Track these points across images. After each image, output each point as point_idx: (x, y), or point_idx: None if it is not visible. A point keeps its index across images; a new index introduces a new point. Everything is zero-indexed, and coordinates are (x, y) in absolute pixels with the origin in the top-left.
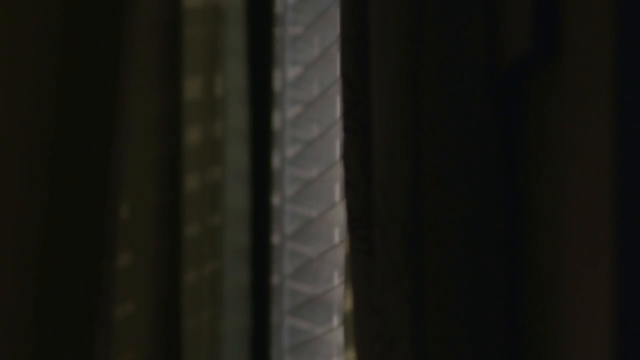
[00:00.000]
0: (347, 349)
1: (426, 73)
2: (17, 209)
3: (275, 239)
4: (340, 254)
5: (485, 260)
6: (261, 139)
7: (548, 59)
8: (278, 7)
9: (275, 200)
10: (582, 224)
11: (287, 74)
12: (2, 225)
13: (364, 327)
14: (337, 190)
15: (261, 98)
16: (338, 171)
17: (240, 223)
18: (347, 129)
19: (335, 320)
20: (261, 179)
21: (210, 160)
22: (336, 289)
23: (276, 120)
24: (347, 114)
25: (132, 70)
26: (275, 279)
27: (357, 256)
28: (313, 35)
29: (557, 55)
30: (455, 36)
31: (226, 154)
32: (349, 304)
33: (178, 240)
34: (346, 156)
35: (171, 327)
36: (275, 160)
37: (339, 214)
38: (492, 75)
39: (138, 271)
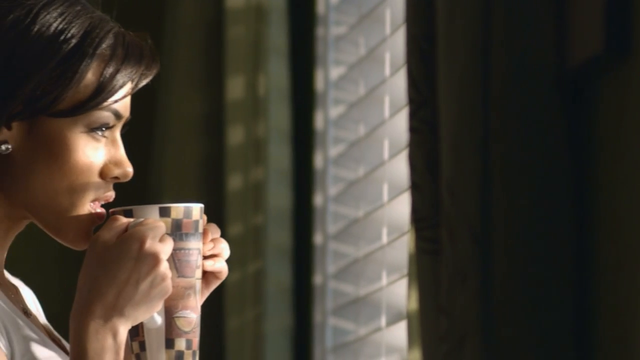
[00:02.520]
0: (411, 349)
1: (494, 73)
2: None
3: (318, 239)
4: (388, 254)
5: (553, 259)
6: (303, 138)
7: (620, 60)
8: (320, 7)
9: (319, 200)
10: None
11: (329, 74)
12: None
13: (430, 327)
14: (385, 191)
15: (303, 98)
16: (385, 171)
17: (283, 223)
18: (413, 128)
19: (384, 321)
20: (303, 178)
21: (253, 160)
22: (385, 288)
23: (319, 121)
24: (413, 114)
25: (175, 71)
26: (318, 279)
27: (423, 256)
28: (358, 36)
29: (629, 55)
30: (524, 36)
31: (269, 153)
32: (412, 304)
33: None
34: (412, 156)
35: (215, 326)
36: (318, 160)
37: (387, 214)
38: (561, 75)
39: None
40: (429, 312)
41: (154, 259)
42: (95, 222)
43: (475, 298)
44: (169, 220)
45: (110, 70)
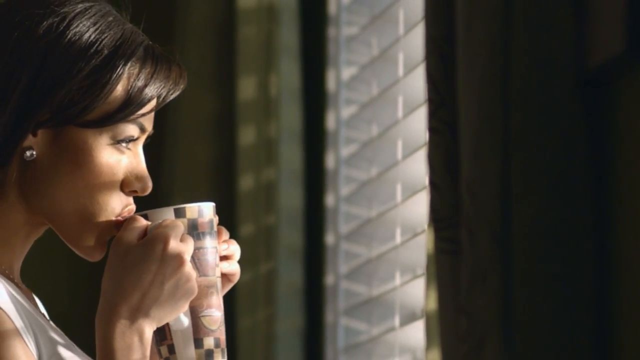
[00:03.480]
0: (429, 349)
1: (514, 73)
2: None
3: (330, 239)
4: (402, 254)
5: (574, 259)
6: (314, 139)
7: None
8: (332, 7)
9: (330, 200)
10: None
11: (341, 74)
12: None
13: (450, 327)
14: (399, 191)
15: (314, 98)
16: (399, 171)
17: (294, 223)
18: (432, 129)
19: (397, 321)
20: (315, 179)
21: (265, 160)
22: (398, 289)
23: (330, 121)
24: (432, 114)
25: (187, 71)
26: (329, 279)
27: (442, 256)
28: (370, 36)
29: None
30: (544, 36)
31: (280, 154)
32: (431, 304)
33: None
34: (431, 156)
35: (226, 327)
36: (330, 161)
37: (400, 214)
38: (581, 75)
39: None
40: (448, 312)
41: (179, 259)
42: (113, 232)
43: (495, 298)
44: (185, 220)
45: (139, 83)
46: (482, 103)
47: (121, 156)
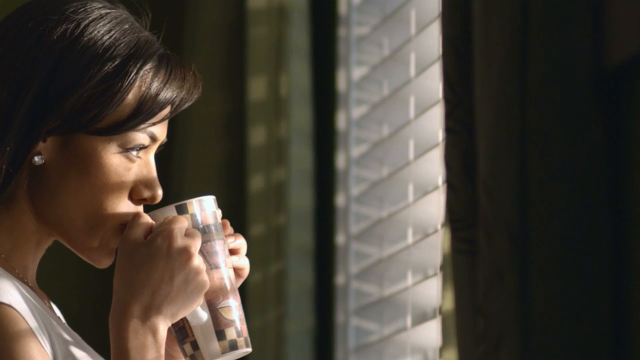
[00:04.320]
0: (445, 349)
1: (532, 73)
2: None
3: (340, 239)
4: (414, 255)
5: (591, 259)
6: (325, 139)
7: None
8: (342, 7)
9: (340, 200)
10: None
11: (352, 74)
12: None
13: (466, 327)
14: (410, 191)
15: (325, 98)
16: (411, 172)
17: (305, 223)
18: (448, 129)
19: (409, 321)
20: (325, 179)
21: (275, 161)
22: (410, 289)
23: (341, 121)
24: (448, 114)
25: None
26: (340, 279)
27: (458, 256)
28: (381, 36)
29: None
30: (561, 35)
31: (290, 154)
32: (447, 304)
33: None
34: (447, 156)
35: None
36: (340, 161)
37: (412, 214)
38: (599, 75)
39: None
40: (465, 313)
41: (186, 253)
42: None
43: (512, 298)
44: (187, 216)
45: (150, 92)
46: (500, 103)
47: (131, 164)
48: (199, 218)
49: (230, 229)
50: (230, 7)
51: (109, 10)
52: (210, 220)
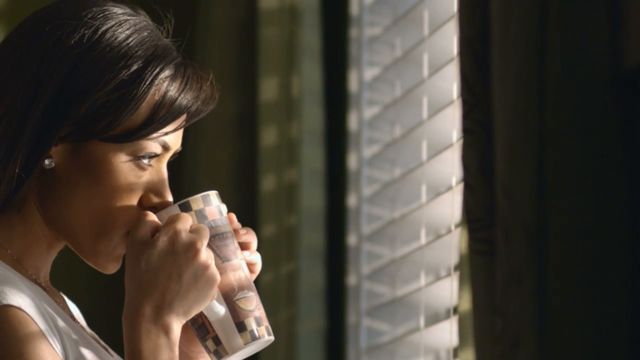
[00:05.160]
0: (462, 349)
1: (550, 73)
2: None
3: (352, 239)
4: (427, 255)
5: (609, 260)
6: (336, 139)
7: None
8: (354, 8)
9: (352, 201)
10: None
11: (363, 75)
12: None
13: (484, 328)
14: (423, 192)
15: (336, 99)
16: (424, 172)
17: (316, 224)
18: (466, 129)
19: (422, 321)
20: (337, 179)
21: (286, 161)
22: (424, 289)
23: (352, 121)
24: (466, 115)
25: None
26: (352, 280)
27: (476, 257)
28: (393, 37)
29: None
30: (580, 36)
31: (302, 154)
32: (464, 304)
33: None
34: (465, 157)
35: None
36: (352, 161)
37: (426, 215)
38: (617, 75)
39: None
40: (482, 313)
41: (192, 249)
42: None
43: (530, 299)
44: (192, 213)
45: (165, 101)
46: (518, 103)
47: (141, 172)
48: (204, 213)
49: (236, 224)
50: (242, 8)
51: (128, 17)
52: (216, 215)
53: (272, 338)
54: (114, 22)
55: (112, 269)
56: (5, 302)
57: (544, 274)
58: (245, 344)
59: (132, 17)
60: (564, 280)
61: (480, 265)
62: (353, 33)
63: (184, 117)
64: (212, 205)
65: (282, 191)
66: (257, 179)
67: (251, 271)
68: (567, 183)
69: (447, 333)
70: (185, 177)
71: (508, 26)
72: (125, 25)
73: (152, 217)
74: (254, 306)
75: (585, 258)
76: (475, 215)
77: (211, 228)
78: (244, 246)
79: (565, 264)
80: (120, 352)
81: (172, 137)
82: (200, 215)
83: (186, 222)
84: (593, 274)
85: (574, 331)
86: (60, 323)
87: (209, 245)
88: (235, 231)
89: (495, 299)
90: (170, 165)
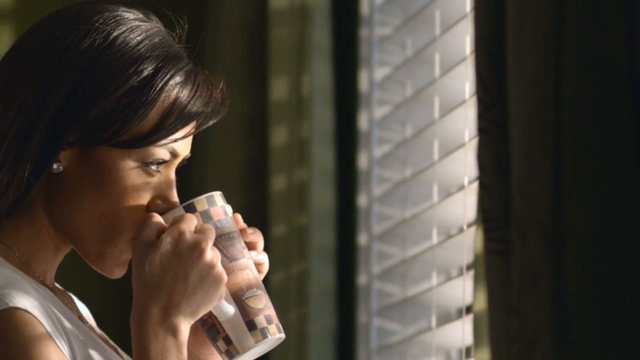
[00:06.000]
0: (478, 349)
1: (566, 73)
2: None
3: (362, 239)
4: (438, 255)
5: (627, 259)
6: (347, 139)
7: None
8: (364, 8)
9: (363, 200)
10: None
11: (374, 75)
12: None
13: (500, 327)
14: (435, 191)
15: (346, 99)
16: (435, 172)
17: (327, 223)
18: (481, 129)
19: (433, 321)
20: (347, 179)
21: (297, 161)
22: (435, 289)
23: (363, 121)
24: (481, 115)
25: (218, 71)
26: (362, 280)
27: (492, 257)
28: (404, 37)
29: None
30: (596, 37)
31: (312, 154)
32: (479, 304)
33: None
34: (480, 157)
35: None
36: (362, 161)
37: (437, 214)
38: (633, 76)
39: None
40: (498, 313)
41: (197, 249)
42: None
43: (547, 299)
44: (197, 214)
45: (174, 108)
46: (534, 103)
47: (149, 178)
48: (209, 214)
49: (242, 224)
50: (252, 7)
51: (140, 23)
52: (221, 215)
53: (283, 335)
54: (125, 28)
55: (117, 273)
56: (11, 304)
57: (560, 273)
58: (256, 343)
59: (144, 23)
60: (580, 280)
61: (496, 264)
62: (363, 33)
63: (193, 124)
64: (217, 205)
65: (293, 191)
66: (267, 178)
67: (259, 271)
68: (584, 182)
69: (458, 333)
70: (195, 176)
71: (524, 25)
72: (137, 31)
73: (157, 218)
74: (263, 304)
75: (602, 257)
76: (491, 214)
77: (217, 228)
78: (250, 246)
79: (582, 264)
80: (130, 353)
81: (181, 144)
82: (205, 216)
83: (191, 222)
84: (609, 273)
85: (590, 332)
86: (68, 324)
87: (216, 246)
88: (242, 231)
89: (511, 299)
90: (179, 165)
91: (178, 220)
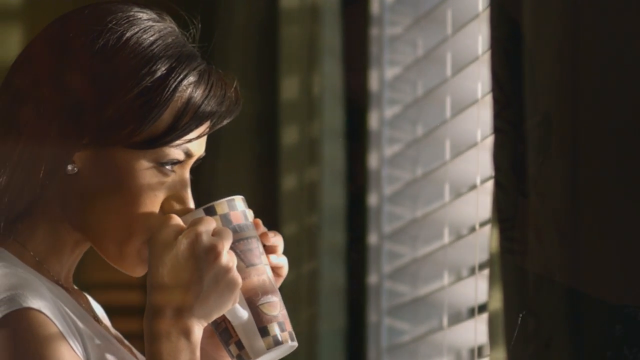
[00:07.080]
0: (493, 349)
1: (582, 73)
2: None
3: (373, 239)
4: (450, 254)
5: None
6: (357, 138)
7: None
8: (375, 7)
9: (373, 200)
10: None
11: (384, 74)
12: None
13: (515, 327)
14: (447, 191)
15: (357, 98)
16: (447, 171)
17: (337, 223)
18: (497, 129)
19: (445, 321)
20: (357, 178)
21: (307, 160)
22: (446, 288)
23: (373, 121)
24: (497, 114)
25: (229, 71)
26: (372, 279)
27: (507, 256)
28: (415, 36)
29: None
30: (612, 36)
31: (323, 153)
32: (494, 303)
33: None
34: (496, 156)
35: None
36: (373, 160)
37: (449, 214)
38: None
39: None
40: (514, 313)
41: (213, 252)
42: None
43: (563, 298)
44: (217, 217)
45: (188, 109)
46: (550, 102)
47: (164, 178)
48: (229, 218)
49: (263, 228)
50: (263, 7)
51: (153, 24)
52: (241, 220)
53: (295, 344)
54: (138, 28)
55: (140, 272)
56: (25, 304)
57: (576, 273)
58: (267, 349)
59: (157, 23)
60: (596, 279)
61: (512, 264)
62: (374, 32)
63: (207, 123)
64: (238, 209)
65: (303, 190)
66: (278, 178)
67: (278, 275)
68: (600, 182)
69: (470, 333)
70: (206, 176)
71: (540, 25)
72: (150, 32)
73: (176, 220)
74: (277, 311)
75: (618, 257)
76: (507, 214)
77: (235, 232)
78: (271, 249)
79: (597, 263)
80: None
81: (195, 144)
82: (225, 220)
83: (208, 225)
84: (626, 273)
85: (606, 332)
86: (81, 324)
87: (233, 250)
88: (263, 235)
89: (526, 299)
90: (194, 165)
91: (196, 223)
